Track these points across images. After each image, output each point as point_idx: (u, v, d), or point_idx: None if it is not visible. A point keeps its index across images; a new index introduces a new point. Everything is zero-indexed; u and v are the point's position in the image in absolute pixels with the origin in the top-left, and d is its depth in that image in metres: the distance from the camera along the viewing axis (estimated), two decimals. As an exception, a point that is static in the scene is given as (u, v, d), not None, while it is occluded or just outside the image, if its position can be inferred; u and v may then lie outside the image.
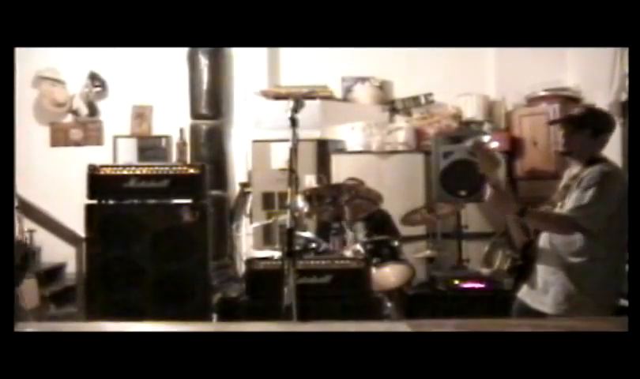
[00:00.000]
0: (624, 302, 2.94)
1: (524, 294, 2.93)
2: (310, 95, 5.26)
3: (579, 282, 2.72)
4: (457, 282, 4.26)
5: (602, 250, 2.71)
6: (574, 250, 2.73)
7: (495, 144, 2.92)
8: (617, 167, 2.82)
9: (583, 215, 2.65)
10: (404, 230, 4.65)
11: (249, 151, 5.62)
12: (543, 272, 2.83)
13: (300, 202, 3.93)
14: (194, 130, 5.81)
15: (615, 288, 2.77)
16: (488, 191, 2.72)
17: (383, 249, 4.10)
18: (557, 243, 2.79)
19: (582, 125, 2.80)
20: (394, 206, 4.59)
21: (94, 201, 3.72)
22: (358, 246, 4.01)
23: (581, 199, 2.68)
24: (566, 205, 2.75)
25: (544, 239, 2.85)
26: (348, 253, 3.91)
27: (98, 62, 5.93)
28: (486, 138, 2.92)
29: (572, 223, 2.68)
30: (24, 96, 5.71)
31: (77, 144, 6.05)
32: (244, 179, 5.85)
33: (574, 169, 2.86)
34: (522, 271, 2.93)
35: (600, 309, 2.68)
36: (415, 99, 5.88)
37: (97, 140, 6.06)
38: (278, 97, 5.45)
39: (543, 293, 2.81)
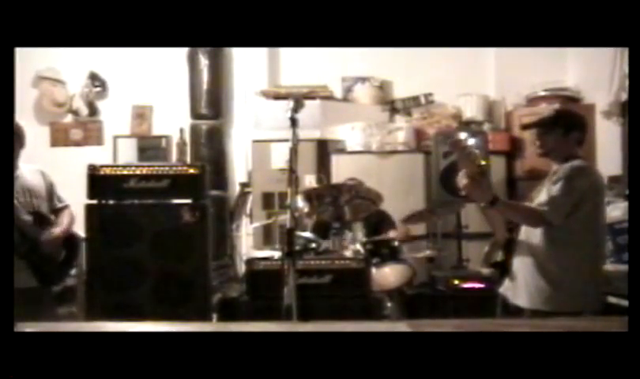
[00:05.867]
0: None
1: (505, 288, 3.02)
2: (310, 95, 5.26)
3: (549, 276, 2.80)
4: (457, 282, 4.27)
5: (570, 246, 2.78)
6: (544, 245, 2.81)
7: (472, 141, 2.96)
8: (589, 165, 2.95)
9: (549, 208, 2.75)
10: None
11: (249, 151, 5.61)
12: (519, 266, 2.92)
13: (300, 202, 3.93)
14: (194, 130, 5.81)
15: (590, 285, 2.82)
16: (464, 180, 2.74)
17: (383, 249, 4.10)
18: (530, 237, 2.87)
19: (553, 126, 2.92)
20: (394, 206, 4.59)
21: (94, 201, 3.72)
22: (358, 246, 4.01)
23: (549, 192, 2.79)
24: (536, 199, 2.85)
25: (522, 234, 2.94)
26: (348, 253, 3.91)
27: (98, 62, 5.93)
28: (462, 135, 2.96)
29: (538, 216, 2.78)
30: (24, 96, 5.70)
31: (77, 144, 6.04)
32: (244, 179, 5.84)
33: (554, 167, 2.96)
34: (504, 266, 2.98)
35: (576, 305, 2.72)
36: (415, 99, 5.88)
37: (97, 140, 6.05)
38: (278, 97, 5.45)
39: (519, 287, 2.90)
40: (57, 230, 3.44)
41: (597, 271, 2.87)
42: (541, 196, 2.83)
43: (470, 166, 2.78)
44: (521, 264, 2.91)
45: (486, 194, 2.78)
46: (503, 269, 3.01)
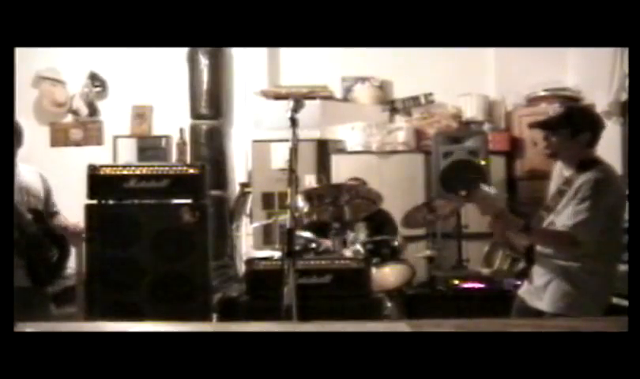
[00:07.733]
0: (617, 301, 2.98)
1: (523, 291, 2.95)
2: (310, 95, 5.26)
3: (576, 283, 2.73)
4: (457, 282, 4.27)
5: (598, 253, 2.71)
6: (569, 255, 2.73)
7: (494, 191, 2.91)
8: (611, 172, 2.77)
9: (582, 231, 2.63)
10: (404, 230, 4.65)
11: (249, 151, 5.62)
12: (541, 271, 2.84)
13: (300, 202, 3.93)
14: (194, 130, 5.81)
15: (610, 288, 2.82)
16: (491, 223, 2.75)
17: (383, 249, 4.10)
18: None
19: (559, 126, 2.77)
20: (394, 206, 4.59)
21: (94, 201, 3.72)
22: (358, 246, 4.01)
23: (578, 214, 2.65)
24: (562, 217, 2.72)
25: None
26: (348, 253, 3.91)
27: (98, 62, 5.93)
28: (485, 187, 2.91)
29: (570, 240, 2.66)
30: (24, 96, 5.70)
31: (77, 144, 6.04)
32: (244, 179, 5.85)
33: (566, 172, 2.82)
34: (526, 273, 2.94)
35: (596, 308, 2.71)
36: (415, 99, 5.88)
37: (97, 140, 6.06)
38: (278, 97, 5.45)
39: (541, 291, 2.82)
40: (69, 221, 3.46)
41: (616, 274, 2.81)
42: (566, 214, 2.70)
43: (492, 210, 2.76)
44: (542, 268, 2.82)
45: (515, 224, 2.74)
46: (524, 277, 2.95)
